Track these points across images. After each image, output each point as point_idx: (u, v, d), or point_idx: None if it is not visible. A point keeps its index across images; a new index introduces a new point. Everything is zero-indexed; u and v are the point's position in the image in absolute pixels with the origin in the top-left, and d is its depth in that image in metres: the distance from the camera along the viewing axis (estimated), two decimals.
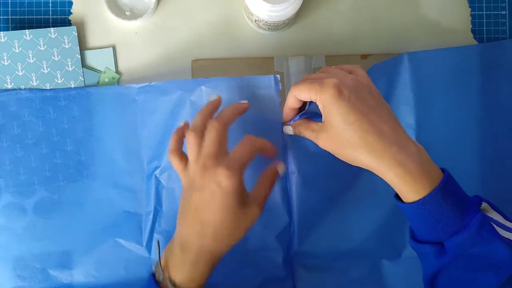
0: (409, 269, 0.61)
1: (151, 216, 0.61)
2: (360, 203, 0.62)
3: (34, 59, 0.62)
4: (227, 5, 0.65)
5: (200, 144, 0.50)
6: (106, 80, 0.63)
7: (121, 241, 0.61)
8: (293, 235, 0.61)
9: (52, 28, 0.63)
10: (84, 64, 0.63)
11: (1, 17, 0.64)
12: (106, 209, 0.62)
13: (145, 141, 0.62)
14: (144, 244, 0.61)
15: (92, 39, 0.64)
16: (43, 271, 0.61)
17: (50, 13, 0.64)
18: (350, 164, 0.50)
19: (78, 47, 0.63)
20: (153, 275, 0.52)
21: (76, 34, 0.63)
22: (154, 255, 0.61)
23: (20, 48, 0.62)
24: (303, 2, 0.58)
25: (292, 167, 0.60)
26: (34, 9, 0.64)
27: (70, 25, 0.64)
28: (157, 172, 0.61)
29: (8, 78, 0.62)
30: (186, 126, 0.54)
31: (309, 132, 0.52)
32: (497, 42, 0.65)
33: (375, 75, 0.57)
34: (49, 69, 0.63)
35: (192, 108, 0.60)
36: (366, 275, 0.62)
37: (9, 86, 0.62)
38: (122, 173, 0.62)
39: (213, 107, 0.54)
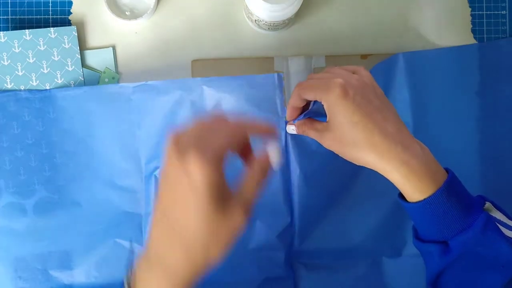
0: (409, 268, 0.61)
1: (151, 217, 0.61)
2: (361, 202, 0.62)
3: (34, 59, 0.62)
4: (227, 5, 0.65)
5: None
6: (106, 80, 0.63)
7: (121, 241, 0.61)
8: (294, 234, 0.61)
9: (52, 28, 0.62)
10: (84, 64, 0.63)
11: (1, 17, 0.64)
12: (106, 209, 0.62)
13: (143, 141, 0.61)
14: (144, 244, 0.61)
15: (92, 39, 0.64)
16: (44, 272, 0.61)
17: (50, 13, 0.64)
18: (351, 163, 0.50)
19: (78, 47, 0.63)
20: None
21: (76, 34, 0.63)
22: None
23: (20, 48, 0.62)
24: (303, 2, 0.58)
25: (295, 166, 0.60)
26: (34, 9, 0.64)
27: (70, 25, 0.64)
28: (157, 172, 0.61)
29: (8, 78, 0.62)
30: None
31: (313, 131, 0.52)
32: (495, 42, 0.66)
33: (376, 75, 0.57)
34: (49, 69, 0.62)
35: (192, 108, 0.59)
36: (367, 274, 0.62)
37: (9, 86, 0.62)
38: (121, 173, 0.62)
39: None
